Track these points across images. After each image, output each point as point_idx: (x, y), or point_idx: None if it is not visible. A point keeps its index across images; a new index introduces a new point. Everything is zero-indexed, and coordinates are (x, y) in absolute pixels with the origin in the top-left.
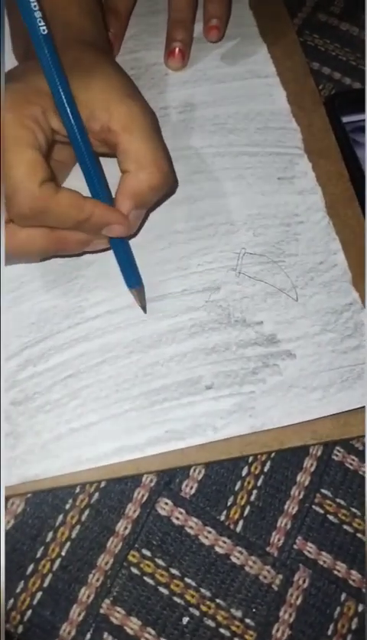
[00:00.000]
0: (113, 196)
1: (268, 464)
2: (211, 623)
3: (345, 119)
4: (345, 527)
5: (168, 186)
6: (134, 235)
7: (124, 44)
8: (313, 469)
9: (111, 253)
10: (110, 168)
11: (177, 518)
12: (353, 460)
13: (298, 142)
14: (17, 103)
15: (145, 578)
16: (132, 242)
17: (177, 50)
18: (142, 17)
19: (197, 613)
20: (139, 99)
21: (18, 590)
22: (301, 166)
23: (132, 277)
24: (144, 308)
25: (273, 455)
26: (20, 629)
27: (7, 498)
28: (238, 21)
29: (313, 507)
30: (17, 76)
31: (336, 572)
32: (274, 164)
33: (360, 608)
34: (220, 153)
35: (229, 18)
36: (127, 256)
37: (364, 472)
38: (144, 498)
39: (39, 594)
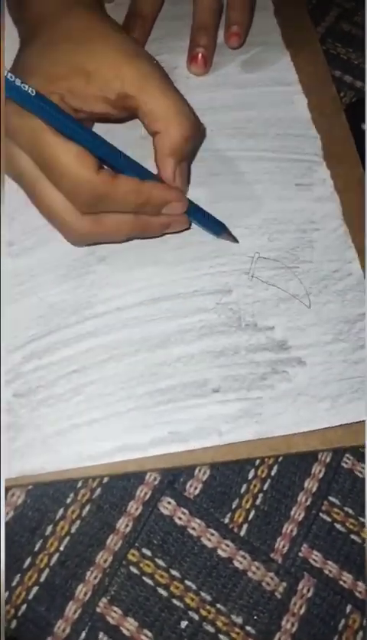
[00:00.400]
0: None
1: (276, 468)
2: (210, 629)
3: (365, 127)
4: (352, 536)
5: (200, 130)
6: (187, 189)
7: (147, 47)
8: (321, 476)
9: (116, 249)
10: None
11: (180, 518)
12: (363, 468)
13: (317, 149)
14: None
15: (144, 578)
16: (145, 241)
17: (199, 55)
18: (166, 22)
19: (196, 617)
20: (145, 56)
21: (14, 584)
22: (320, 173)
23: (215, 226)
24: (236, 240)
25: (281, 459)
26: (13, 624)
27: (7, 489)
28: (262, 28)
29: (321, 514)
30: (26, 69)
31: (341, 582)
32: (292, 170)
33: (366, 622)
34: (238, 157)
35: (251, 25)
36: (201, 213)
37: None
38: (147, 496)
39: (35, 589)
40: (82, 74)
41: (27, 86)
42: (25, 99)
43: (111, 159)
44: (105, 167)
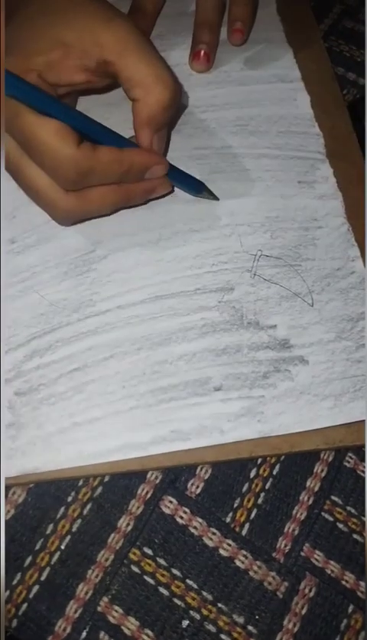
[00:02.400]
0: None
1: (278, 467)
2: (212, 628)
3: (366, 123)
4: (355, 536)
5: (179, 97)
6: (166, 153)
7: None
8: (323, 475)
9: (122, 248)
10: None
11: (181, 517)
12: (365, 467)
13: (320, 147)
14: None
15: (145, 577)
16: (147, 238)
17: (202, 52)
18: (169, 18)
19: (198, 617)
20: (123, 20)
21: (15, 582)
22: (322, 171)
23: (195, 185)
24: (216, 198)
25: (283, 458)
26: (14, 623)
27: (8, 487)
28: (265, 25)
29: (323, 514)
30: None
31: (343, 582)
32: (295, 167)
33: None
34: (241, 154)
35: (254, 22)
36: (180, 174)
37: None
38: (148, 495)
39: (36, 587)
40: (60, 46)
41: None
42: None
43: (88, 131)
44: (85, 140)
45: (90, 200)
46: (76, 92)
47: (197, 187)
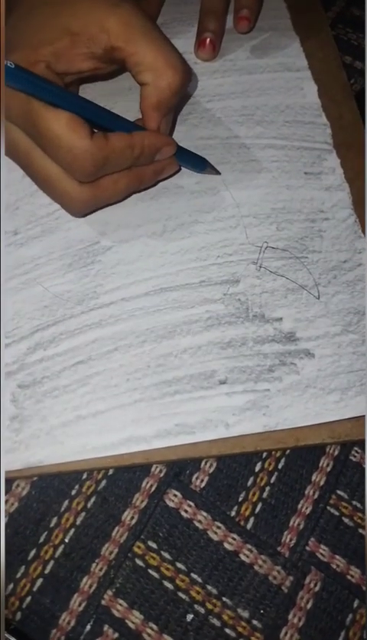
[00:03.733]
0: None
1: (283, 461)
2: (216, 622)
3: (365, 109)
4: (360, 530)
5: (188, 81)
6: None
7: None
8: (329, 469)
9: (126, 240)
10: None
11: (186, 511)
12: (365, 461)
13: (327, 137)
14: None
15: (150, 571)
16: (152, 229)
17: (207, 40)
18: (174, 6)
19: (202, 611)
20: (129, 5)
21: (19, 575)
22: (329, 162)
23: (198, 163)
24: (218, 172)
25: (288, 452)
26: (18, 616)
27: (12, 480)
28: (271, 13)
29: (328, 508)
30: (9, 42)
31: (349, 577)
32: (301, 158)
33: None
34: (246, 145)
35: (260, 10)
36: (183, 152)
37: None
38: (153, 489)
39: (40, 581)
40: (67, 35)
41: (6, 62)
42: (6, 75)
43: (96, 118)
44: (96, 130)
45: (104, 188)
46: (82, 79)
47: (200, 164)
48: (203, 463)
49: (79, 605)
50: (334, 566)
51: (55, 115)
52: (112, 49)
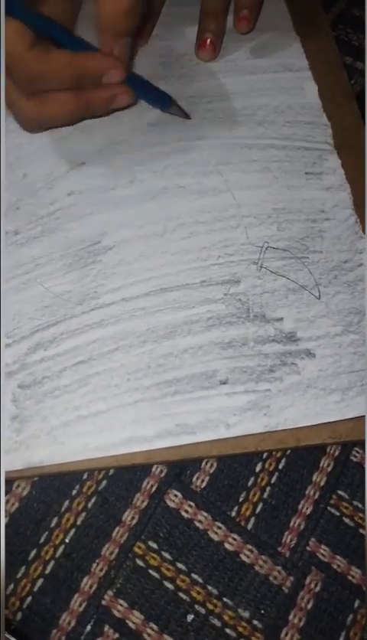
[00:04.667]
0: None
1: (283, 461)
2: (217, 622)
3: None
4: (361, 531)
5: (141, 6)
6: (131, 68)
7: (155, 32)
8: (329, 469)
9: (127, 240)
10: None
11: (186, 511)
12: (365, 461)
13: (328, 137)
14: None
15: (150, 571)
16: (152, 230)
17: (208, 41)
18: (175, 7)
19: (203, 611)
20: None
21: (19, 575)
22: (330, 162)
23: (162, 99)
24: (187, 116)
25: (289, 452)
26: (18, 616)
27: (12, 480)
28: (272, 13)
29: (329, 508)
30: None
31: (350, 577)
32: (302, 158)
33: None
34: (247, 145)
35: (261, 10)
36: (146, 86)
37: None
38: (153, 489)
39: (40, 581)
40: None
41: None
42: None
43: (49, 32)
44: (42, 43)
45: (49, 105)
46: None
47: (164, 102)
48: (204, 463)
49: (80, 605)
50: (335, 567)
51: (7, 23)
52: None
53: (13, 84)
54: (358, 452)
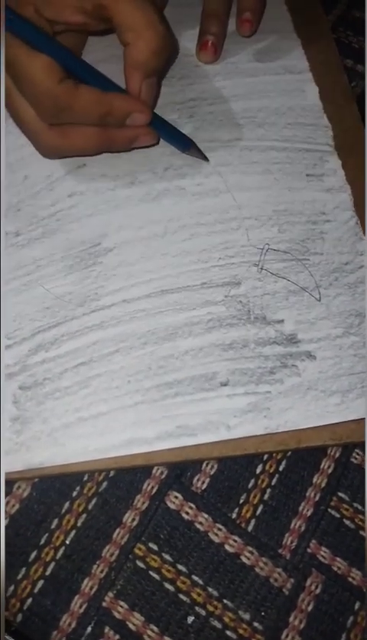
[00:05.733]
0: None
1: (284, 463)
2: (217, 624)
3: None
4: (362, 533)
5: (170, 47)
6: (154, 106)
7: None
8: (330, 471)
9: (128, 241)
10: None
11: (187, 513)
12: (365, 463)
13: (329, 139)
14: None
15: (151, 572)
16: (153, 231)
17: (209, 43)
18: (176, 8)
19: (203, 613)
20: None
21: (20, 577)
22: (331, 164)
23: (182, 141)
24: (205, 158)
25: (289, 454)
26: (19, 617)
27: (13, 482)
28: (272, 16)
29: (329, 510)
30: None
31: (350, 579)
32: (303, 160)
33: None
34: (248, 147)
35: (264, 13)
36: (168, 128)
37: None
38: (154, 490)
39: (40, 582)
40: None
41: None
42: None
43: (77, 70)
44: (71, 78)
45: (71, 137)
46: (73, 32)
47: (185, 144)
48: (204, 465)
49: (80, 606)
50: (335, 569)
51: (34, 57)
52: (100, 7)
53: (34, 114)
54: (358, 454)
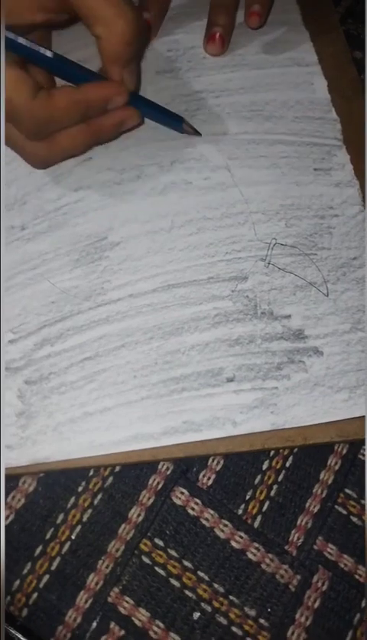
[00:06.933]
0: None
1: (290, 459)
2: (223, 620)
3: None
4: None
5: (142, 29)
6: (138, 89)
7: (163, 26)
8: (337, 467)
9: (134, 236)
10: None
11: (193, 509)
12: (365, 457)
13: (337, 133)
14: None
15: (156, 568)
16: (159, 225)
17: (217, 35)
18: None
19: (209, 609)
20: None
21: (25, 572)
22: (339, 158)
23: (174, 120)
24: (198, 133)
25: (296, 450)
26: (24, 612)
27: (18, 476)
28: (281, 8)
29: (336, 507)
30: None
31: (357, 576)
32: (311, 154)
33: None
34: (255, 140)
35: (272, 5)
36: (156, 109)
37: None
38: (160, 486)
39: (46, 577)
40: None
41: None
42: None
43: (54, 68)
44: (42, 89)
45: (60, 144)
46: (37, 29)
47: (177, 123)
48: (210, 461)
49: (86, 602)
50: (342, 565)
51: (6, 73)
52: (63, 1)
53: (17, 131)
54: (365, 451)
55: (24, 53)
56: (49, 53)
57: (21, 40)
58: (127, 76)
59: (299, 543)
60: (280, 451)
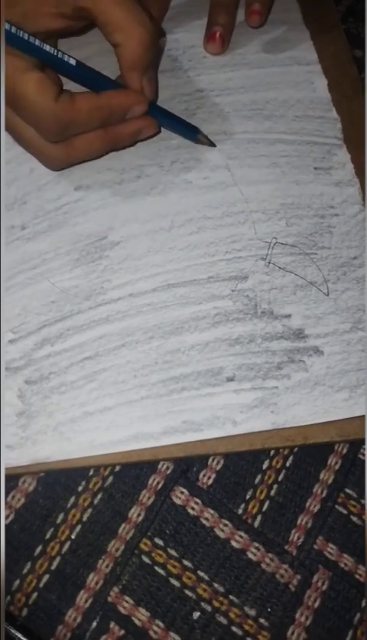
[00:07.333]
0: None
1: (291, 458)
2: (223, 620)
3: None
4: None
5: (158, 36)
6: (157, 98)
7: (163, 25)
8: (337, 467)
9: (134, 235)
10: None
11: (193, 508)
12: (365, 456)
13: (337, 132)
14: None
15: (156, 568)
16: (160, 225)
17: (217, 34)
18: None
19: (209, 609)
20: None
21: (25, 571)
22: (339, 157)
23: (190, 131)
24: (213, 144)
25: (296, 449)
26: (24, 612)
27: (18, 476)
28: (281, 7)
29: (336, 506)
30: None
31: (357, 576)
32: (311, 153)
33: None
34: (255, 139)
35: (272, 4)
36: (173, 120)
37: None
38: (160, 486)
39: (46, 577)
40: None
41: None
42: None
43: (75, 75)
44: (64, 91)
45: (77, 147)
46: (55, 36)
47: (192, 134)
48: (210, 460)
49: (86, 601)
50: (342, 565)
51: (24, 77)
52: (80, 9)
53: (36, 133)
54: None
55: (48, 59)
56: (72, 61)
57: (46, 47)
58: (146, 83)
59: (299, 543)
60: (281, 450)
